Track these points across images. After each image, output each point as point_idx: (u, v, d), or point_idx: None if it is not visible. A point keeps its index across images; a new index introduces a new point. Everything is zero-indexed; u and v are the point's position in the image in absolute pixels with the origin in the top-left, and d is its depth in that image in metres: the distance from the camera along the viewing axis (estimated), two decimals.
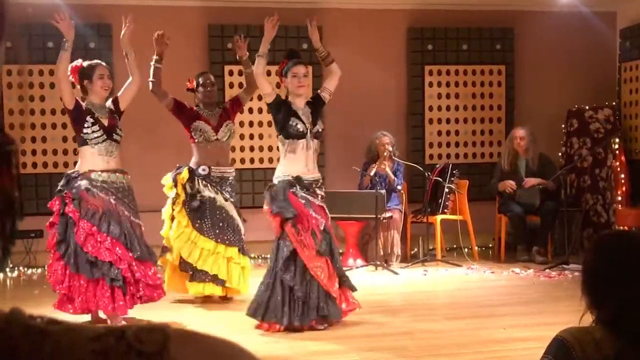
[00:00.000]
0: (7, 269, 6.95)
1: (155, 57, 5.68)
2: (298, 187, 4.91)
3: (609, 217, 7.91)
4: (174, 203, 5.79)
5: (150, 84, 5.69)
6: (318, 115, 5.09)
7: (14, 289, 6.64)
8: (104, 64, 5.23)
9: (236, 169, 8.02)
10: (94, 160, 5.06)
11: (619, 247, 1.82)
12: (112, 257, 4.87)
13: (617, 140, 7.95)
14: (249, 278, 5.80)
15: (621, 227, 7.56)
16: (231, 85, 8.01)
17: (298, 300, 4.82)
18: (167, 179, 5.87)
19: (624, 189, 7.88)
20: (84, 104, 5.09)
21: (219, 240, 5.70)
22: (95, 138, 5.05)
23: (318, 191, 5.03)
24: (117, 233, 4.92)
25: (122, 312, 4.97)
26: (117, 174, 5.11)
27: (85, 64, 5.14)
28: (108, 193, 5.01)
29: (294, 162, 4.96)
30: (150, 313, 5.23)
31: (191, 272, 5.71)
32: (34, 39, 7.30)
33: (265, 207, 5.03)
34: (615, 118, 8.12)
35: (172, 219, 5.78)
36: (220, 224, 5.73)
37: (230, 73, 8.04)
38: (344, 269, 7.10)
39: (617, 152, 7.94)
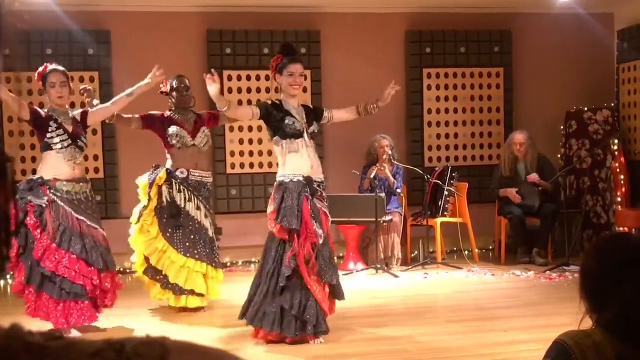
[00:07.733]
0: (8, 277, 6.94)
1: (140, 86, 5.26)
2: (309, 190, 4.69)
3: (609, 218, 7.91)
4: (141, 216, 5.57)
5: (115, 117, 5.47)
6: (313, 119, 4.91)
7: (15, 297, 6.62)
8: (60, 69, 5.05)
9: (235, 174, 8.09)
10: (58, 166, 4.95)
11: (618, 250, 1.80)
12: (69, 274, 4.80)
13: (616, 141, 7.95)
14: (220, 288, 5.76)
15: (621, 229, 7.57)
16: (230, 91, 7.99)
17: (293, 317, 4.62)
18: (142, 180, 5.66)
19: (623, 190, 7.88)
20: (44, 110, 5.01)
21: (189, 254, 5.51)
22: (60, 142, 4.94)
23: (324, 194, 4.85)
24: (79, 249, 4.85)
25: (91, 321, 4.95)
26: (81, 184, 5.02)
27: (49, 68, 5.06)
28: (72, 204, 4.93)
29: (299, 160, 4.73)
30: (134, 325, 5.22)
31: (160, 278, 5.56)
32: (32, 45, 7.30)
33: (271, 207, 4.72)
34: (614, 119, 8.12)
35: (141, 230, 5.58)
36: (192, 237, 5.54)
37: (229, 78, 8.03)
38: (345, 272, 7.15)
39: (616, 153, 7.94)
